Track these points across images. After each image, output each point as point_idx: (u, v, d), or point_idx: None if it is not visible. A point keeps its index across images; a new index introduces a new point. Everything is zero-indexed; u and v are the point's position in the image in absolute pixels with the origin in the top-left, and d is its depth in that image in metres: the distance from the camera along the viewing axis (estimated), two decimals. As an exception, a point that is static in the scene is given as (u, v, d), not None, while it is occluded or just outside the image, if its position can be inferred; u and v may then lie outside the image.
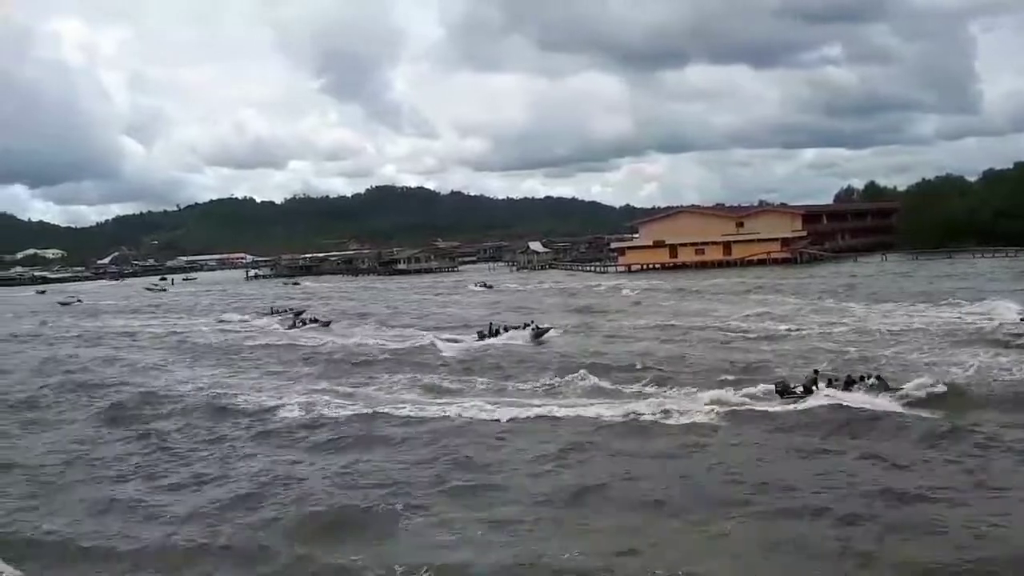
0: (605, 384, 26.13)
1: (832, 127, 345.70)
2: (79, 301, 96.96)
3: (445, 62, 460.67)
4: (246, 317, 62.36)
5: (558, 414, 22.70)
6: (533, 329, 37.99)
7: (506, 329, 38.82)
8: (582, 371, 27.63)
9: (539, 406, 23.75)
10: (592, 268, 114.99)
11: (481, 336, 38.77)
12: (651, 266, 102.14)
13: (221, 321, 61.07)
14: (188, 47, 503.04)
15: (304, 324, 52.04)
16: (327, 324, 51.58)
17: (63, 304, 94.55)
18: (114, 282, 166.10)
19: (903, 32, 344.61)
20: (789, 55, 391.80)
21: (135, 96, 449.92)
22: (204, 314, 69.84)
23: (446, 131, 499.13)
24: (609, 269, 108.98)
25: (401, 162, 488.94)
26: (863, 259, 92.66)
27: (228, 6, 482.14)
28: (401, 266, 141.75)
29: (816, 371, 23.66)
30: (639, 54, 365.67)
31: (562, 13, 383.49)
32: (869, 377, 22.53)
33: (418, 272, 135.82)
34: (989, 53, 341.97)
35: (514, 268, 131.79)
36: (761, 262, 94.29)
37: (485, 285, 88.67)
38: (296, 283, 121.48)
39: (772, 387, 22.91)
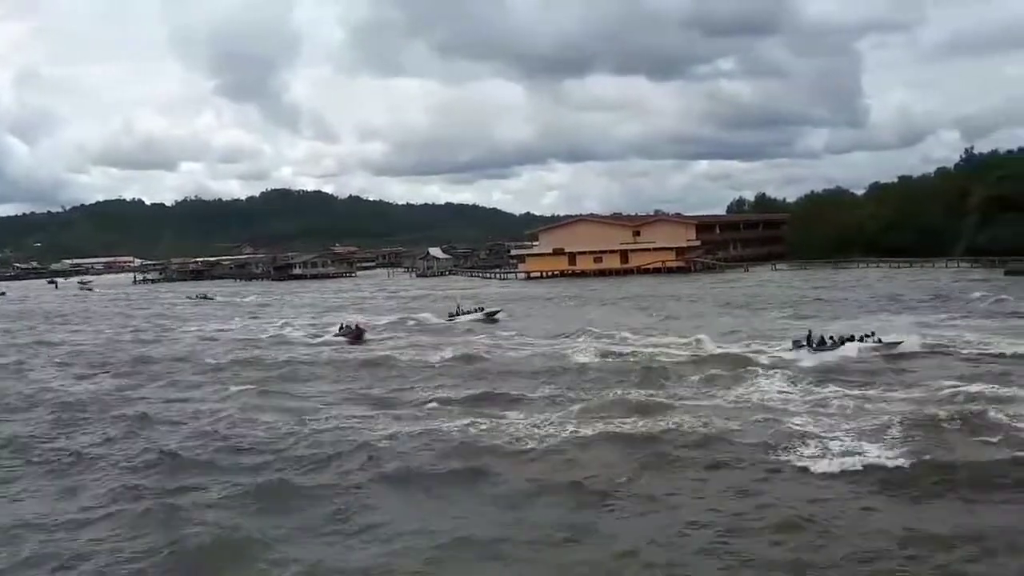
0: None
1: (726, 139, 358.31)
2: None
3: (345, 65, 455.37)
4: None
5: None
6: (876, 340, 31.14)
7: (840, 340, 31.36)
8: None
9: None
10: (493, 275, 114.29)
11: (797, 346, 31.66)
12: (551, 273, 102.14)
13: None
14: (80, 45, 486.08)
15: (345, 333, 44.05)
16: (359, 335, 43.41)
17: None
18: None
19: (795, 47, 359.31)
20: (686, 68, 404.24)
21: (21, 93, 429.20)
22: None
23: (345, 135, 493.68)
24: (510, 276, 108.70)
25: (298, 165, 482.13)
26: (754, 268, 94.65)
27: (122, 5, 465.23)
28: (297, 271, 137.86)
29: None
30: (542, 63, 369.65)
31: (465, 19, 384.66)
32: None
33: (315, 277, 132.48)
34: (877, 69, 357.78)
35: (415, 274, 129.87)
36: (656, 270, 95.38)
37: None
38: (206, 296, 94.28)
39: None
